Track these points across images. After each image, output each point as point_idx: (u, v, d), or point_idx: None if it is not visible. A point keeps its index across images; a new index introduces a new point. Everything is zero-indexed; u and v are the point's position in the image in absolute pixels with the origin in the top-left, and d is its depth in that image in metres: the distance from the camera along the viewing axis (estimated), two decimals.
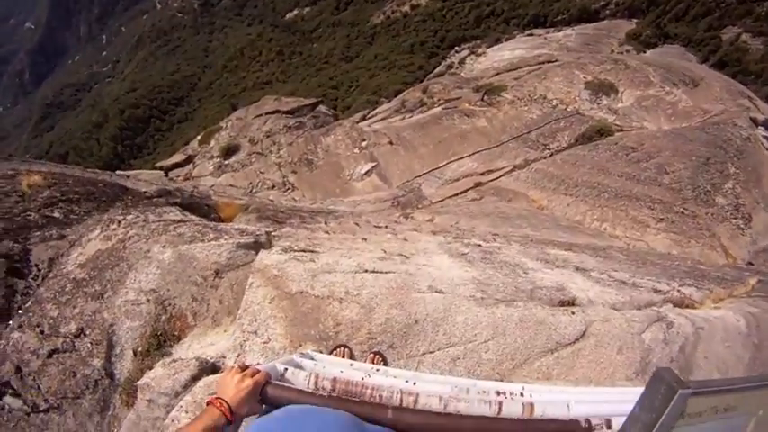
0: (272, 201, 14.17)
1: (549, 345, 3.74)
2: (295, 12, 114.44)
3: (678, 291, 6.06)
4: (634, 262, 8.62)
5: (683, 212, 17.05)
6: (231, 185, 25.54)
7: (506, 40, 46.22)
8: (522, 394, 2.48)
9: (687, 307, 5.50)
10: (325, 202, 19.56)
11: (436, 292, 3.87)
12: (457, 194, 19.77)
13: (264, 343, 3.42)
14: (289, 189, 24.05)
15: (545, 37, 42.08)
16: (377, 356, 3.43)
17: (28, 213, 5.40)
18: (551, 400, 2.47)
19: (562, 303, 4.36)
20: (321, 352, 3.15)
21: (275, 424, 1.53)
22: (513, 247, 7.58)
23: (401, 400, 2.18)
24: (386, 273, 3.96)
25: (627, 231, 16.98)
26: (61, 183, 6.28)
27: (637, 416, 2.10)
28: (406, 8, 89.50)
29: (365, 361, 3.38)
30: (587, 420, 2.36)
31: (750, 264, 14.68)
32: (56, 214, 5.54)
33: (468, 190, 20.00)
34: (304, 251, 4.25)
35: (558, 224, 16.57)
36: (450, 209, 17.44)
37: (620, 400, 2.64)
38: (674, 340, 4.30)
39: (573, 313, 4.06)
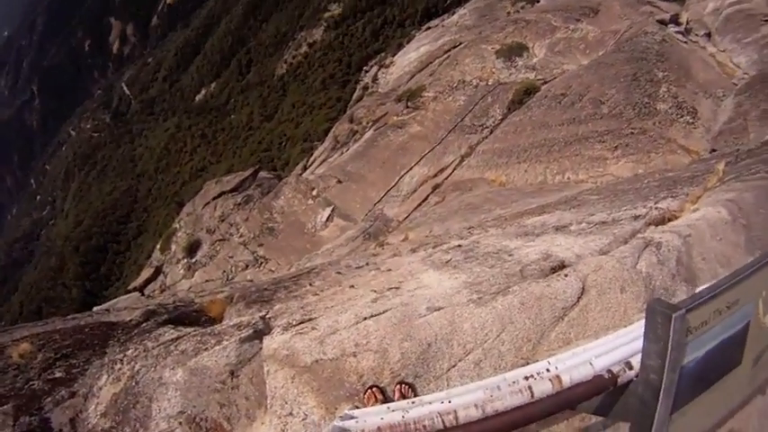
0: (251, 281, 14.12)
1: (556, 313, 3.88)
2: (202, 92, 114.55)
3: (656, 208, 6.25)
4: (607, 198, 8.81)
5: (632, 132, 17.49)
6: (207, 281, 25.34)
7: (408, 42, 46.87)
8: (548, 370, 2.62)
9: (669, 221, 5.67)
10: (301, 261, 19.55)
11: (436, 310, 3.97)
12: (420, 204, 19.97)
13: (303, 420, 3.48)
14: (262, 263, 23.98)
15: (442, 25, 42.76)
16: (402, 386, 3.52)
17: (31, 383, 5.34)
18: (574, 364, 2.61)
19: (553, 270, 4.49)
20: (357, 406, 3.24)
21: None
22: (491, 233, 7.72)
23: (443, 422, 2.30)
24: (383, 312, 4.05)
25: (589, 172, 17.34)
26: (50, 341, 6.21)
27: (648, 349, 2.26)
28: (304, 49, 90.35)
29: (394, 395, 3.47)
30: (608, 371, 2.50)
31: (713, 150, 15.08)
32: (57, 374, 5.49)
33: (428, 196, 20.21)
34: (302, 323, 4.32)
35: (524, 192, 16.82)
36: (419, 221, 17.59)
37: (634, 337, 2.79)
38: (668, 258, 4.46)
39: (566, 276, 4.20)
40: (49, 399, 5.10)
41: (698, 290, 3.63)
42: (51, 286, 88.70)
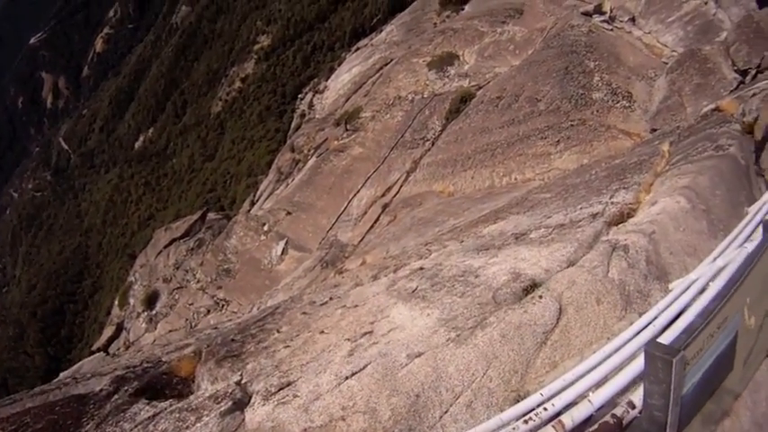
0: (216, 327, 13.77)
1: (538, 339, 3.85)
2: (140, 139, 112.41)
3: (611, 203, 6.32)
4: (559, 195, 8.90)
5: (572, 125, 17.82)
6: (171, 331, 24.77)
7: (339, 65, 47.04)
8: (545, 408, 2.57)
9: (629, 216, 5.74)
10: (262, 299, 19.24)
11: (417, 356, 3.89)
12: (372, 226, 19.96)
13: None
14: (223, 305, 23.62)
15: (371, 44, 43.14)
16: None
17: None
18: (571, 399, 2.57)
19: (526, 291, 4.47)
20: None
21: None
22: (450, 249, 7.69)
23: None
24: (364, 368, 3.95)
25: (535, 169, 17.61)
26: (22, 426, 5.91)
27: (650, 391, 2.26)
28: (238, 84, 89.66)
29: None
30: (612, 415, 2.48)
31: (654, 130, 15.50)
32: None
33: (379, 216, 20.23)
34: (281, 389, 4.17)
35: (474, 199, 16.97)
36: (373, 242, 17.55)
37: (623, 357, 2.78)
38: (637, 260, 4.51)
39: (541, 297, 4.19)
40: None
41: (672, 284, 3.67)
42: (13, 356, 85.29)
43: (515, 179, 17.91)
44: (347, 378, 3.91)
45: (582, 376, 2.78)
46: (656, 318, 3.36)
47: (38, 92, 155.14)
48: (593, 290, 4.17)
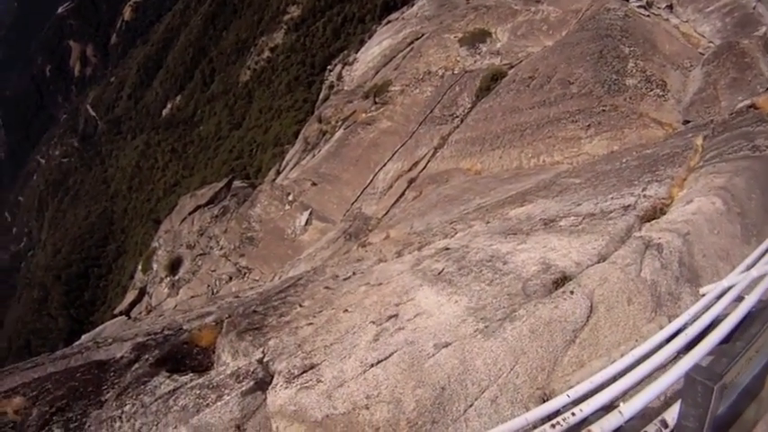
0: (237, 297, 13.87)
1: (567, 337, 3.77)
2: (168, 106, 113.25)
3: (644, 196, 6.17)
4: (588, 181, 8.74)
5: (603, 110, 17.47)
6: (193, 296, 25.06)
7: (369, 37, 46.53)
8: (573, 413, 2.50)
9: (662, 212, 5.60)
10: (284, 268, 19.34)
11: (444, 347, 3.84)
12: (397, 200, 19.85)
13: None
14: (245, 273, 23.76)
15: (402, 17, 42.56)
16: None
17: None
18: (600, 407, 2.50)
19: (556, 284, 4.38)
20: None
21: None
22: (476, 230, 7.60)
23: None
24: (389, 356, 3.91)
25: (564, 152, 17.33)
26: (43, 392, 6.01)
27: (686, 413, 2.19)
28: (267, 54, 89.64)
29: None
30: None
31: (687, 121, 15.17)
32: (56, 431, 5.30)
33: (404, 191, 20.10)
34: (305, 371, 4.15)
35: (501, 179, 16.79)
36: (398, 217, 17.48)
37: (653, 367, 2.70)
38: (670, 261, 4.40)
39: (572, 293, 4.10)
40: None
41: (703, 289, 3.56)
42: (37, 318, 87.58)
43: (544, 161, 17.65)
44: (372, 366, 3.88)
45: (611, 380, 2.70)
46: (686, 324, 3.26)
47: (65, 60, 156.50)
48: (626, 289, 4.08)
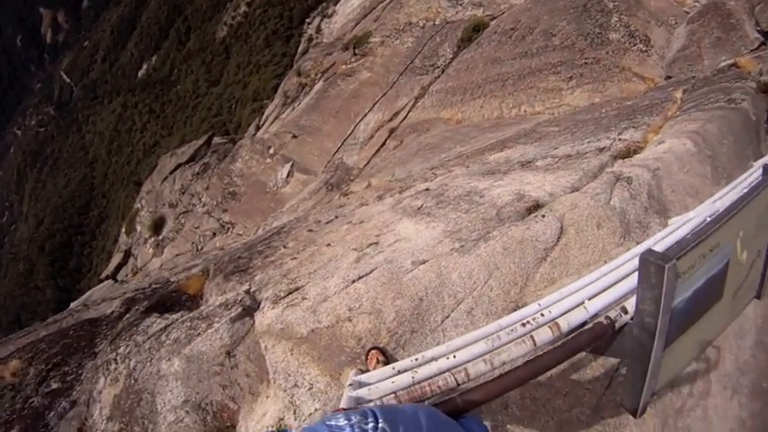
0: (222, 249, 14.01)
1: (538, 255, 3.96)
2: (144, 67, 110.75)
3: (619, 140, 6.35)
4: (567, 128, 8.90)
5: (585, 62, 17.49)
6: (178, 255, 25.12)
7: None
8: (542, 314, 2.70)
9: (635, 152, 5.79)
10: (267, 221, 19.44)
11: (421, 263, 4.01)
12: (378, 150, 19.87)
13: (309, 389, 3.53)
14: (229, 228, 23.83)
15: None
16: (375, 351, 3.59)
17: (30, 401, 5.30)
18: (568, 307, 2.69)
19: (529, 211, 4.56)
20: (361, 369, 3.30)
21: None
22: (456, 173, 7.76)
23: (456, 380, 2.37)
24: (371, 273, 4.08)
25: (545, 103, 17.40)
26: (38, 353, 6.14)
27: (643, 296, 2.38)
28: (243, 8, 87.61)
29: (368, 363, 3.54)
30: (606, 317, 2.60)
31: (669, 77, 15.28)
32: (54, 385, 5.45)
33: (386, 141, 20.10)
34: (290, 293, 4.33)
35: (482, 128, 16.86)
36: (379, 166, 17.57)
37: (619, 275, 2.90)
38: (639, 192, 4.57)
39: (543, 216, 4.27)
40: (52, 413, 5.08)
41: (671, 220, 3.77)
42: (25, 292, 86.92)
43: (525, 111, 17.72)
44: (354, 281, 4.05)
45: (578, 290, 2.88)
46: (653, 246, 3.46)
47: (36, 29, 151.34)
48: (595, 214, 4.24)
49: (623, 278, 2.86)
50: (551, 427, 3.60)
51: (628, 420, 3.69)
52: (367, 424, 1.47)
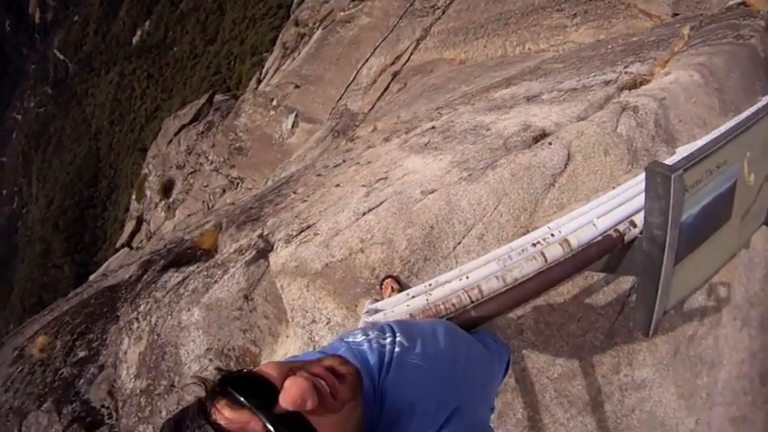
0: (233, 204, 14.08)
1: (546, 181, 3.97)
2: (138, 34, 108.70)
3: (626, 73, 6.26)
4: (572, 64, 8.76)
5: None
6: (190, 215, 25.23)
7: None
8: (552, 235, 2.72)
9: (641, 84, 5.71)
10: (276, 172, 19.43)
11: (430, 193, 4.03)
12: (382, 94, 19.64)
13: (327, 324, 3.61)
14: (238, 184, 23.82)
15: None
16: (389, 280, 3.64)
17: (60, 372, 5.44)
18: (578, 226, 2.71)
19: (536, 140, 4.54)
20: (376, 299, 3.35)
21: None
22: (461, 110, 7.70)
23: (470, 298, 2.40)
24: (380, 204, 4.10)
25: (550, 41, 17.03)
26: (63, 325, 6.27)
27: (650, 208, 2.39)
28: None
29: (383, 292, 3.60)
30: (615, 230, 2.61)
31: (676, 14, 14.86)
32: (81, 354, 5.58)
33: (389, 84, 19.85)
34: (302, 231, 4.36)
35: (486, 67, 16.59)
36: (384, 110, 17.40)
37: (629, 196, 2.91)
38: (646, 120, 4.53)
39: (550, 144, 4.26)
40: (82, 381, 5.21)
41: (679, 149, 3.75)
42: (44, 272, 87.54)
43: (529, 49, 17.35)
44: (364, 214, 4.09)
45: (588, 212, 2.89)
46: None
47: (24, 11, 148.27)
48: (601, 141, 4.22)
49: (632, 198, 2.86)
50: (566, 352, 3.67)
51: (641, 346, 3.77)
52: (385, 339, 1.46)
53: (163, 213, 28.75)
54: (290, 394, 0.94)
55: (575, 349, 3.69)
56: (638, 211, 2.71)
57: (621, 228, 2.65)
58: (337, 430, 1.01)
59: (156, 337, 4.82)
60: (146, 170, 33.84)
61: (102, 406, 5.00)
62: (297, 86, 23.40)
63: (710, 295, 4.04)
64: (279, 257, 4.19)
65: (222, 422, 0.88)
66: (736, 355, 4.07)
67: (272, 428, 0.88)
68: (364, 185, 4.86)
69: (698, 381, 3.92)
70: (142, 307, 5.45)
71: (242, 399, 0.91)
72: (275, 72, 27.60)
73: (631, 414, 3.76)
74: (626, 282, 3.77)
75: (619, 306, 3.75)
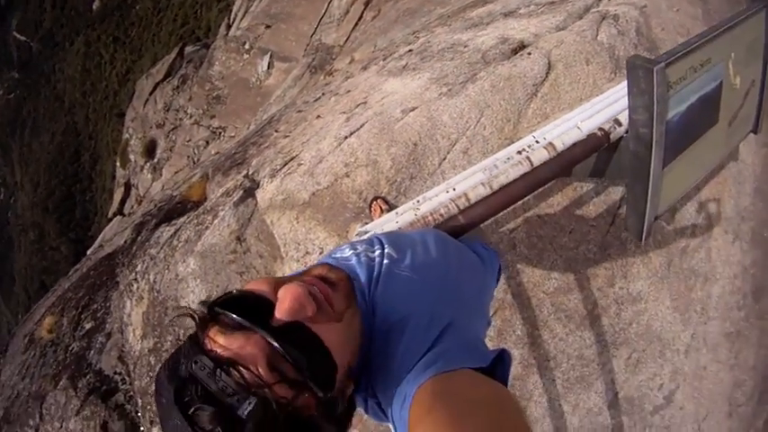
0: (218, 153, 13.93)
1: (528, 90, 3.91)
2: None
3: None
4: None
5: None
6: (177, 172, 25.05)
7: None
8: (537, 142, 2.70)
9: None
10: (257, 116, 19.19)
11: (411, 110, 3.97)
12: (356, 24, 19.17)
13: (320, 254, 3.61)
14: (221, 133, 23.54)
15: None
16: (378, 201, 3.63)
17: (71, 348, 5.48)
18: (562, 131, 2.69)
19: (514, 51, 4.45)
20: (367, 222, 3.35)
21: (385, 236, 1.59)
22: (438, 32, 7.55)
23: (457, 206, 2.39)
24: (361, 127, 4.04)
25: None
26: (67, 302, 6.28)
27: (634, 104, 2.35)
28: None
29: (373, 214, 3.59)
30: (600, 128, 2.58)
31: None
32: (87, 325, 5.60)
33: (363, 13, 19.35)
34: (286, 164, 4.32)
35: None
36: (360, 39, 17.04)
37: (613, 99, 2.88)
38: (627, 29, 4.43)
39: (529, 54, 4.17)
40: (92, 352, 5.24)
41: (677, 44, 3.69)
42: (42, 257, 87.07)
43: None
44: (346, 138, 4.03)
45: (572, 118, 2.85)
46: None
47: None
48: (582, 50, 4.14)
49: (616, 102, 2.83)
50: (560, 266, 3.70)
51: (635, 259, 3.82)
52: (374, 252, 1.43)
53: (149, 175, 28.49)
54: (287, 303, 0.90)
55: (569, 262, 3.73)
56: (623, 111, 2.69)
57: (606, 126, 2.62)
58: (342, 338, 0.99)
59: (156, 294, 4.82)
60: (126, 135, 33.33)
61: (115, 372, 5.05)
62: (268, 26, 22.79)
63: (701, 208, 4.08)
64: (266, 193, 4.15)
65: (218, 350, 0.82)
66: (728, 269, 4.14)
67: (275, 343, 0.83)
68: (344, 112, 4.79)
69: (692, 294, 4.00)
70: (139, 267, 5.43)
71: (235, 317, 0.86)
72: (244, 15, 26.82)
73: (629, 327, 3.84)
74: (616, 192, 3.78)
75: (610, 217, 3.78)
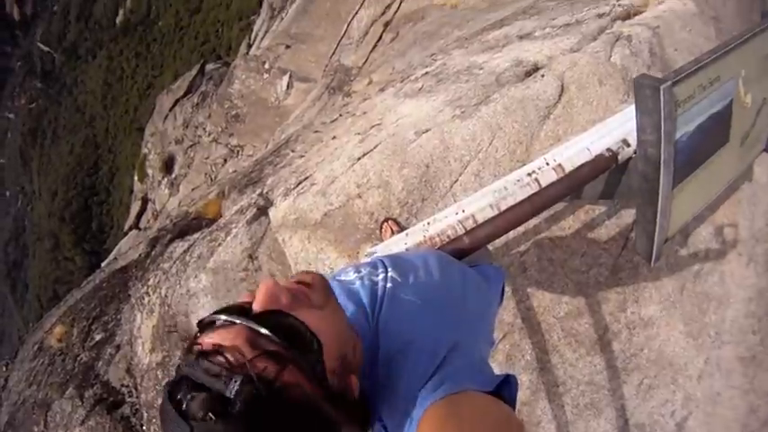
0: (235, 171, 14.04)
1: (541, 113, 3.91)
2: (120, 14, 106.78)
3: (619, 5, 6.13)
4: (566, 1, 8.61)
5: None
6: (194, 189, 25.21)
7: None
8: (548, 164, 2.70)
9: (635, 15, 5.59)
10: (275, 136, 19.32)
11: (424, 132, 3.98)
12: (375, 45, 19.32)
13: (330, 273, 3.62)
14: (238, 151, 23.70)
15: None
16: (389, 222, 3.65)
17: (79, 358, 5.50)
18: (572, 153, 2.69)
19: (528, 74, 4.46)
20: (377, 243, 3.36)
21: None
22: (455, 54, 7.60)
23: (464, 228, 2.40)
24: (374, 148, 4.06)
25: None
26: (78, 312, 6.30)
27: (642, 124, 2.34)
28: None
29: (383, 235, 3.60)
30: (608, 149, 2.58)
31: None
32: (97, 337, 5.63)
33: (381, 35, 19.48)
34: (299, 183, 4.34)
35: (479, 10, 16.21)
36: (378, 61, 17.16)
37: (624, 120, 2.87)
38: (640, 49, 4.42)
39: (542, 76, 4.18)
40: (100, 363, 5.26)
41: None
42: (56, 266, 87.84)
43: None
44: (359, 159, 4.05)
45: (582, 140, 2.85)
46: None
47: (1, 9, 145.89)
48: (595, 71, 4.13)
49: (626, 122, 2.82)
50: (571, 290, 3.68)
51: (647, 283, 3.78)
52: (377, 275, 1.45)
53: (167, 190, 28.70)
54: (260, 294, 0.96)
55: (579, 286, 3.70)
56: (631, 131, 2.68)
57: (615, 147, 2.61)
58: (325, 323, 1.00)
59: (167, 308, 4.82)
60: (145, 149, 33.66)
61: (122, 385, 5.07)
62: (288, 47, 23.01)
63: (714, 231, 4.02)
64: (278, 211, 4.18)
65: (203, 346, 0.88)
66: (743, 292, 4.08)
67: (253, 324, 0.88)
68: (359, 133, 4.82)
69: (705, 318, 3.95)
70: (151, 280, 5.45)
71: (217, 316, 0.93)
72: (264, 34, 27.14)
73: (640, 353, 3.80)
74: (628, 215, 3.76)
75: (622, 240, 3.75)
